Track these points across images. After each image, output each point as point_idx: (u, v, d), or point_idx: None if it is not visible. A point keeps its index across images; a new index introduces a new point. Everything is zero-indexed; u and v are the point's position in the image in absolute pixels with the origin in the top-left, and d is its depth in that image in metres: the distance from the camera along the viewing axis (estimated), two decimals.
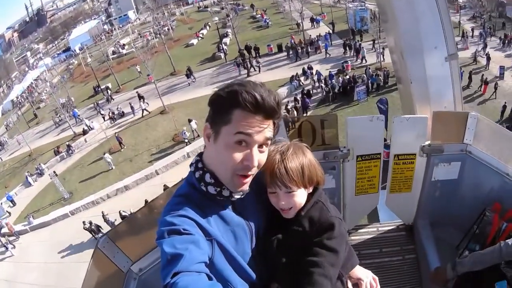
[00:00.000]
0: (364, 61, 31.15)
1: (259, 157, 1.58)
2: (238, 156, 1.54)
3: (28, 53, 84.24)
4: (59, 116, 36.48)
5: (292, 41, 36.33)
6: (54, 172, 27.37)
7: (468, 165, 3.53)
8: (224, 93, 1.53)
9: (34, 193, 27.97)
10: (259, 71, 33.62)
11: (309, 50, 35.11)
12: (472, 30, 33.57)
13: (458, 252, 3.46)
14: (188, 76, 35.75)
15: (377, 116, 3.36)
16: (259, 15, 50.22)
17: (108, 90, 39.56)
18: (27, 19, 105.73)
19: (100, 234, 17.59)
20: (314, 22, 43.01)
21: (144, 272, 2.86)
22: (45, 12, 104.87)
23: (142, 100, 33.28)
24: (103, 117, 33.90)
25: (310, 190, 1.76)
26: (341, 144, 3.50)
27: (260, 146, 1.57)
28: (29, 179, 29.07)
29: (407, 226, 4.19)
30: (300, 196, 1.71)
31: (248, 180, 1.62)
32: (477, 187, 3.52)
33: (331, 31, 38.33)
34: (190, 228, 1.48)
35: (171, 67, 38.73)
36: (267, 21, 47.19)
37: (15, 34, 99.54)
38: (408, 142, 3.47)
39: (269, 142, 1.60)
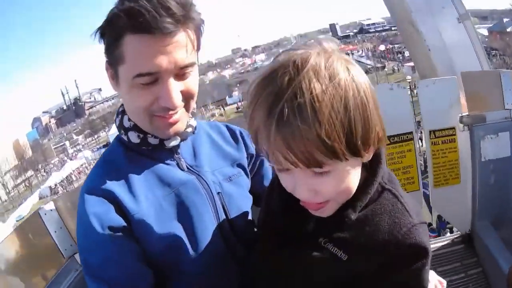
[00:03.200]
0: None
1: (185, 88, 1.16)
2: (149, 97, 1.13)
3: (67, 143, 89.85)
4: None
5: None
6: None
7: None
8: (106, 20, 1.10)
9: None
10: None
11: None
12: None
13: None
14: None
15: (398, 84, 2.85)
16: None
17: None
18: (64, 106, 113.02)
19: None
20: None
21: None
22: (83, 103, 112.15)
23: None
24: None
25: (367, 157, 0.86)
26: None
27: (179, 75, 1.14)
28: None
29: (464, 236, 3.33)
30: (346, 174, 0.84)
31: (175, 118, 1.19)
32: None
33: None
34: (104, 220, 1.14)
35: None
36: None
37: (53, 120, 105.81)
38: (442, 112, 2.88)
39: (192, 63, 1.15)
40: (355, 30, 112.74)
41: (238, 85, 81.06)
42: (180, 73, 1.14)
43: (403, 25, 3.71)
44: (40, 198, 54.37)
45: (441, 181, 3.07)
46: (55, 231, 2.05)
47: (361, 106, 0.78)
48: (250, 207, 1.44)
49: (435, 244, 3.50)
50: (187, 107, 1.23)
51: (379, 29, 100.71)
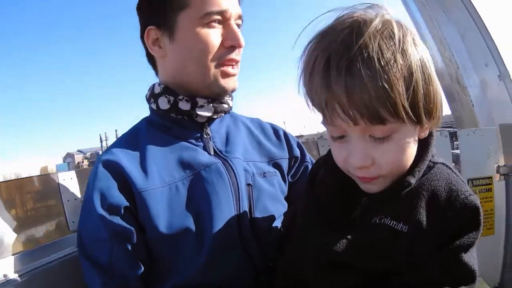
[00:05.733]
0: None
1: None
2: (217, 37, 1.23)
3: None
4: None
5: None
6: None
7: None
8: None
9: None
10: None
11: None
12: None
13: None
14: None
15: (440, 132, 2.89)
16: None
17: None
18: (100, 152, 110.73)
19: None
20: None
21: None
22: None
23: None
24: None
25: (426, 129, 0.90)
26: None
27: (237, 18, 1.30)
28: None
29: None
30: (403, 142, 0.84)
31: (236, 69, 1.27)
32: None
33: None
34: (105, 191, 1.14)
35: None
36: None
37: (85, 162, 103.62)
38: (481, 161, 2.99)
39: (242, 15, 1.31)
40: None
41: None
42: (238, 22, 1.28)
43: (446, 79, 3.90)
44: None
45: None
46: (68, 200, 1.97)
47: (425, 73, 0.80)
48: (280, 212, 1.32)
49: None
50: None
51: None
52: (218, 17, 1.21)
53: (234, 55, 1.25)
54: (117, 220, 1.11)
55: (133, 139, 1.26)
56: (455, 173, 0.92)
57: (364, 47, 0.73)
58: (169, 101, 1.23)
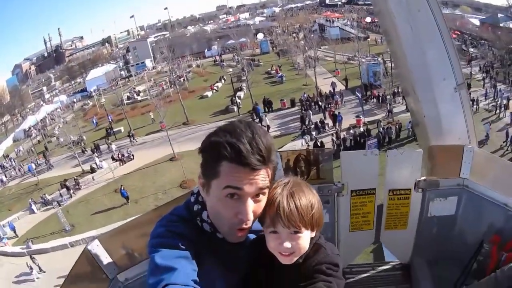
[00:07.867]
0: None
1: (255, 208, 1.50)
2: (231, 210, 1.48)
3: (44, 88, 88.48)
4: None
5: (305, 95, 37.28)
6: (58, 203, 28.70)
7: (465, 199, 3.52)
8: (209, 144, 1.47)
9: (36, 221, 28.72)
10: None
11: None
12: (483, 79, 36.92)
13: None
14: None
15: (371, 151, 3.42)
16: (274, 71, 51.12)
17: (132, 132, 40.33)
18: (45, 54, 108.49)
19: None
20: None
21: (130, 283, 2.82)
22: (63, 50, 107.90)
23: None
24: (112, 158, 34.65)
25: (314, 234, 1.57)
26: (336, 179, 3.51)
27: (255, 196, 1.49)
28: (33, 206, 29.71)
29: (404, 265, 4.09)
30: (306, 239, 1.53)
31: (245, 232, 1.55)
32: (475, 221, 3.49)
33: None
34: (184, 244, 1.44)
35: (184, 117, 39.87)
36: (282, 76, 47.88)
37: (33, 67, 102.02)
38: (403, 176, 3.50)
39: (265, 191, 1.51)
40: (344, 0, 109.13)
41: (218, 39, 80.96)
42: (256, 196, 1.50)
43: (408, 88, 4.10)
44: (14, 141, 54.13)
45: (391, 226, 3.78)
46: (101, 260, 2.72)
47: (317, 210, 1.53)
48: None
49: (380, 267, 4.24)
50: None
51: (368, 2, 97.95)
52: (235, 191, 1.44)
53: (243, 225, 1.51)
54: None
55: (189, 225, 1.57)
56: (322, 246, 1.59)
57: (296, 196, 1.49)
58: (210, 229, 1.58)
